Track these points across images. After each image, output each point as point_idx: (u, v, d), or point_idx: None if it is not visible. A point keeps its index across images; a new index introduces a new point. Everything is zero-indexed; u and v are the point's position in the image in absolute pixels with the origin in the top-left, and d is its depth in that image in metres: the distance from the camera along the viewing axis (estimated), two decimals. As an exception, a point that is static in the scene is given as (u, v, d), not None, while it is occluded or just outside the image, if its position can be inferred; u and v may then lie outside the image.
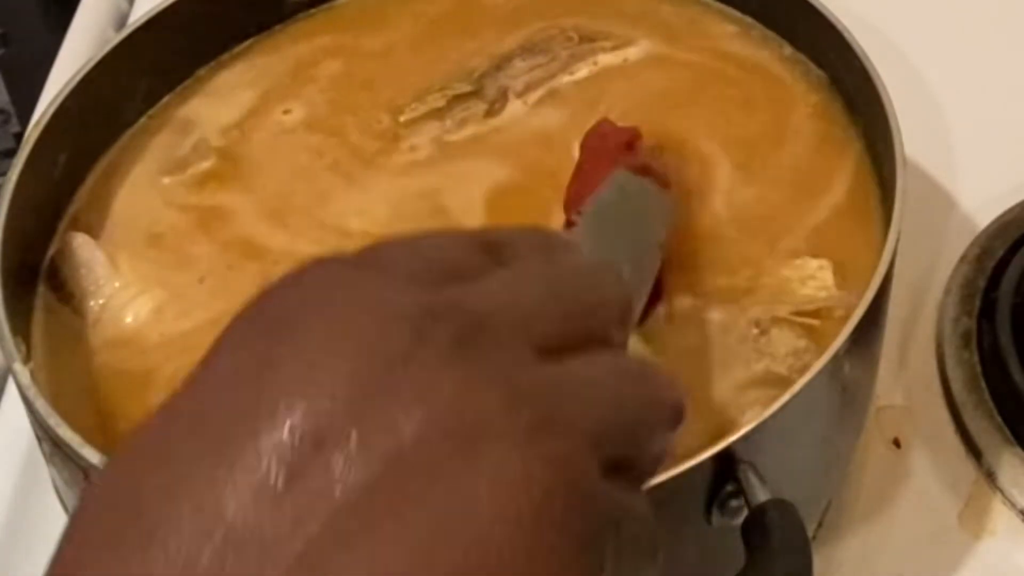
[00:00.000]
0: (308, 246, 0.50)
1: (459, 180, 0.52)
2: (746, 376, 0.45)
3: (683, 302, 0.47)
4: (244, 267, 0.50)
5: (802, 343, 0.45)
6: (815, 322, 0.46)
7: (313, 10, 0.60)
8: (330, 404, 0.23)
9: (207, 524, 0.22)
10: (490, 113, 0.55)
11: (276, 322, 0.25)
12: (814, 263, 0.48)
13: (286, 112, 0.56)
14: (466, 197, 0.51)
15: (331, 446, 0.23)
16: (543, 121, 0.54)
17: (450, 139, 0.54)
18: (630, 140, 0.48)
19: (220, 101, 0.57)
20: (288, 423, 0.23)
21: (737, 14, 0.58)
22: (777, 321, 0.46)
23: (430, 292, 0.25)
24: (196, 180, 0.53)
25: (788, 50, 0.56)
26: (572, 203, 0.47)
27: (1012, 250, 0.59)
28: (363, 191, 0.52)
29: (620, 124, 0.50)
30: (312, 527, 0.22)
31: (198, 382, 0.24)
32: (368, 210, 0.52)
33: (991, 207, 0.62)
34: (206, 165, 0.54)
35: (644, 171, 0.47)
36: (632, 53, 0.57)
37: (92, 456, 0.41)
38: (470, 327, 0.24)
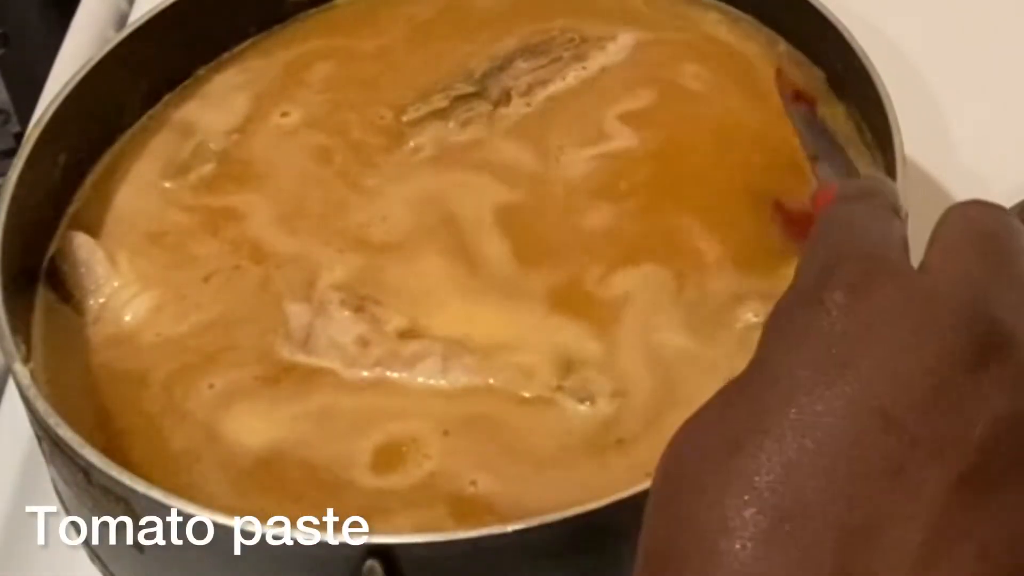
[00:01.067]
0: (318, 248, 0.50)
1: (470, 184, 0.52)
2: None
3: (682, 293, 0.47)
4: (250, 269, 0.50)
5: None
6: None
7: (312, 10, 0.60)
8: (914, 390, 0.27)
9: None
10: (494, 114, 0.55)
11: (846, 331, 0.28)
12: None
13: (284, 115, 0.56)
14: (478, 202, 0.51)
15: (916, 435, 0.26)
16: (548, 121, 0.54)
17: (455, 140, 0.54)
18: (795, 88, 0.51)
19: (215, 104, 0.57)
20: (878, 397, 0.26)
21: (738, 13, 0.58)
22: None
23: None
24: (200, 183, 0.53)
25: (783, 46, 0.56)
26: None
27: (1012, 250, 0.59)
28: (374, 195, 0.52)
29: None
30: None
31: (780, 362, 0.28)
32: (387, 216, 0.51)
33: (991, 207, 0.62)
34: (207, 169, 0.54)
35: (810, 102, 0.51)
36: (631, 52, 0.57)
37: (92, 456, 0.41)
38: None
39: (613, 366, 0.45)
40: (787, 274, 0.46)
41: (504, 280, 0.48)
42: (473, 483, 0.43)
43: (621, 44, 0.57)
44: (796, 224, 0.48)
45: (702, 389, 0.44)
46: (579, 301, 0.47)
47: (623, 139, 0.53)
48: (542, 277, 0.48)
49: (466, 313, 0.47)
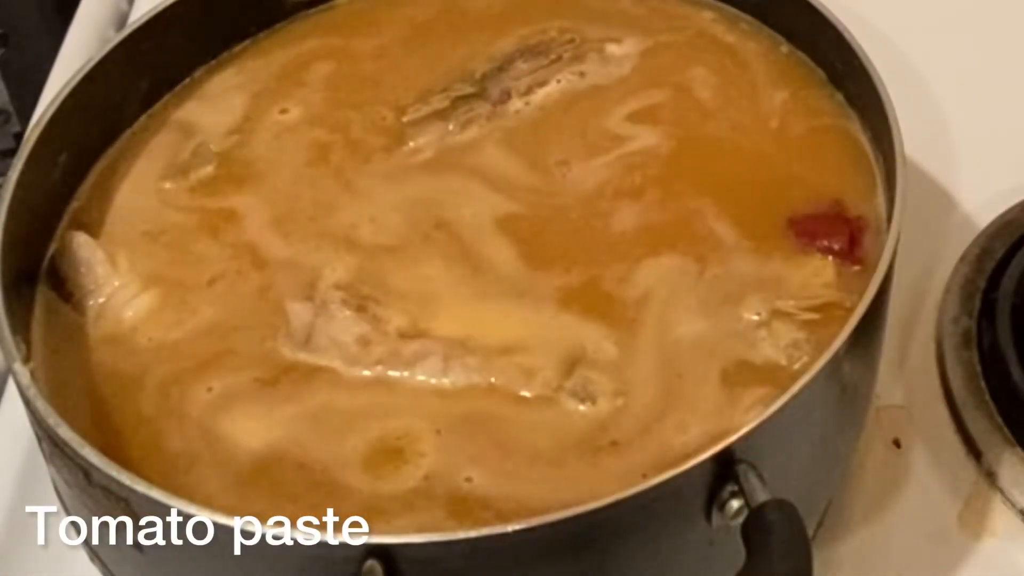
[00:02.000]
0: (319, 249, 0.50)
1: (470, 190, 0.52)
2: (746, 367, 0.45)
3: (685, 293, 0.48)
4: (250, 275, 0.50)
5: (802, 335, 0.46)
6: (816, 316, 0.46)
7: (312, 10, 0.60)
8: None
9: None
10: (494, 114, 0.55)
11: None
12: (816, 259, 0.48)
13: (283, 111, 0.56)
14: (478, 208, 0.51)
15: None
16: (551, 122, 0.54)
17: (455, 140, 0.54)
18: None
19: (214, 105, 0.57)
20: None
21: (736, 13, 0.58)
22: (779, 314, 0.46)
23: None
24: (200, 184, 0.53)
25: (786, 48, 0.56)
26: None
27: (1012, 250, 0.59)
28: (371, 197, 0.52)
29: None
30: None
31: None
32: (377, 218, 0.51)
33: (991, 207, 0.62)
34: (208, 170, 0.54)
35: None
36: (631, 53, 0.57)
37: (92, 456, 0.41)
38: None
39: (624, 366, 0.45)
40: (796, 271, 0.48)
41: (511, 282, 0.48)
42: (468, 479, 0.43)
43: (621, 46, 0.57)
44: (805, 225, 0.49)
45: (702, 391, 0.45)
46: (592, 301, 0.47)
47: (624, 140, 0.53)
48: (551, 279, 0.48)
49: (469, 314, 0.47)
